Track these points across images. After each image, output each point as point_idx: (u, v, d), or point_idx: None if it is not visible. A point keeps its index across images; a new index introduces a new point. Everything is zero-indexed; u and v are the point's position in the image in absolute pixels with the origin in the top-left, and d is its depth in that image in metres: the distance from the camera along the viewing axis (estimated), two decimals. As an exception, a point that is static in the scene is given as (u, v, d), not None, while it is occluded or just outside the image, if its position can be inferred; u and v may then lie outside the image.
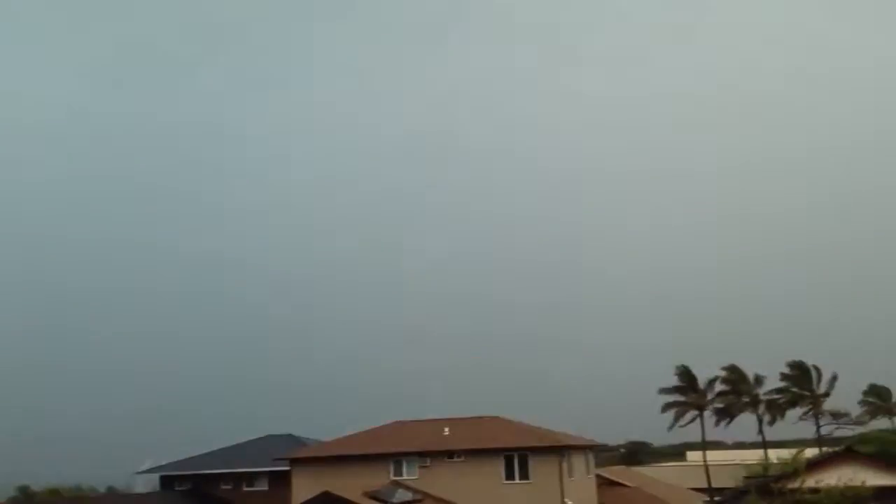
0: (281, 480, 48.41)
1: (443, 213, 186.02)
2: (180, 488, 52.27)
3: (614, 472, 57.55)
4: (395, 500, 40.13)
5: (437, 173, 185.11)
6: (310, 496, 40.64)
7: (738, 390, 72.74)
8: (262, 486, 51.11)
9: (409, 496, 41.27)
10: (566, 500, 41.34)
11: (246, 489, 51.26)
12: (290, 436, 57.48)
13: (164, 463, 54.72)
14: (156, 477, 54.43)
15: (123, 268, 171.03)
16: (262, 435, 59.09)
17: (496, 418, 46.99)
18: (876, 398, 77.68)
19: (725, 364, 72.65)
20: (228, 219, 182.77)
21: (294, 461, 46.21)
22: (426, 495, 42.10)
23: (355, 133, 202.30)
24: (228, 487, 51.40)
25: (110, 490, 64.36)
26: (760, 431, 71.94)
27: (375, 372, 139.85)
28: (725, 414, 74.01)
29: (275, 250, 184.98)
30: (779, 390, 73.58)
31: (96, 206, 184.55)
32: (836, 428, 73.52)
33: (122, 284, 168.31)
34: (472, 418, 47.23)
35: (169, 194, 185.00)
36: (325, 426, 78.68)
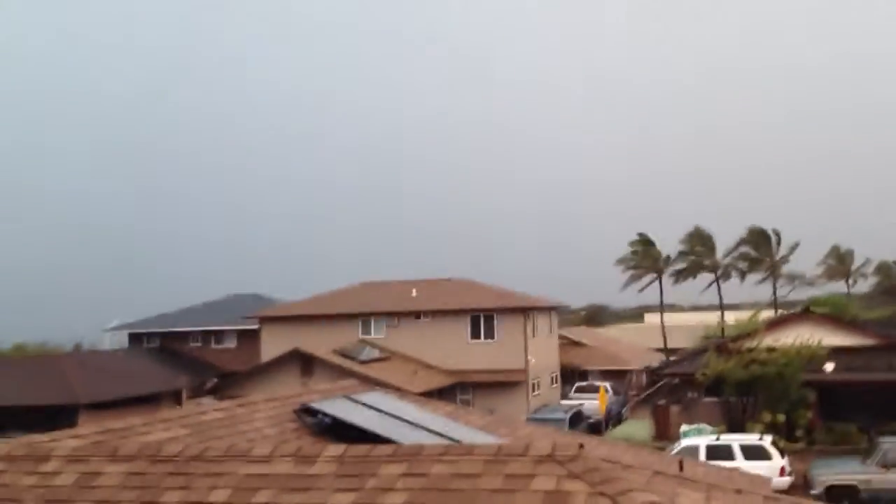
0: (248, 338, 48.94)
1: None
2: (149, 346, 52.68)
3: (576, 333, 59.04)
4: (363, 357, 40.82)
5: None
6: (278, 353, 41.26)
7: (697, 253, 74.08)
8: (231, 344, 51.68)
9: (376, 353, 42.02)
10: (529, 357, 42.45)
11: (214, 346, 51.82)
12: (256, 295, 57.66)
13: (131, 321, 54.95)
14: (124, 334, 54.73)
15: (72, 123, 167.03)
16: (228, 294, 59.37)
17: (463, 280, 47.50)
18: (836, 261, 79.52)
19: (690, 228, 73.64)
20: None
21: (263, 319, 46.62)
22: (395, 354, 42.91)
23: None
24: (197, 345, 51.91)
25: (77, 347, 64.75)
26: (719, 294, 73.68)
27: (335, 233, 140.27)
28: (684, 276, 75.56)
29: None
30: (738, 254, 75.04)
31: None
32: (791, 290, 75.54)
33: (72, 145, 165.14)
34: (439, 280, 47.70)
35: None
36: (288, 287, 79.13)
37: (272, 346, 43.88)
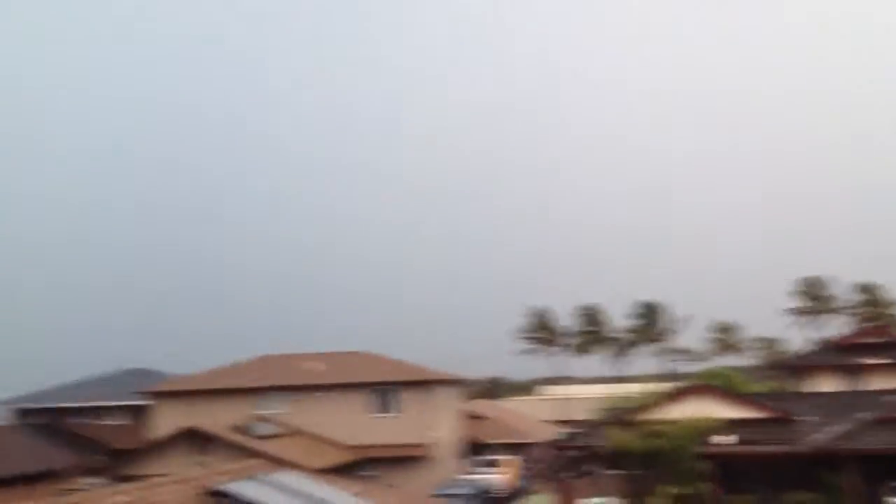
0: (138, 414, 47.16)
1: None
2: (30, 422, 49.83)
3: (478, 406, 58.97)
4: (260, 434, 39.60)
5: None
6: (172, 430, 39.65)
7: (592, 327, 75.95)
8: (120, 420, 49.63)
9: (275, 429, 40.85)
10: (433, 432, 42.03)
11: (102, 423, 49.56)
12: (145, 370, 56.04)
13: (15, 395, 52.22)
14: (3, 410, 51.83)
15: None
16: (117, 368, 57.30)
17: (365, 353, 47.00)
18: (722, 335, 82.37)
19: (583, 303, 75.47)
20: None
21: (156, 394, 44.92)
22: (294, 429, 41.82)
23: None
24: (83, 421, 49.52)
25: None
26: (615, 366, 75.28)
27: (231, 305, 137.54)
28: (579, 350, 77.22)
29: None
30: (630, 329, 77.23)
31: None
32: (683, 363, 77.80)
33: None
34: (340, 353, 47.06)
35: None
36: (181, 361, 76.71)
37: (165, 422, 42.20)
